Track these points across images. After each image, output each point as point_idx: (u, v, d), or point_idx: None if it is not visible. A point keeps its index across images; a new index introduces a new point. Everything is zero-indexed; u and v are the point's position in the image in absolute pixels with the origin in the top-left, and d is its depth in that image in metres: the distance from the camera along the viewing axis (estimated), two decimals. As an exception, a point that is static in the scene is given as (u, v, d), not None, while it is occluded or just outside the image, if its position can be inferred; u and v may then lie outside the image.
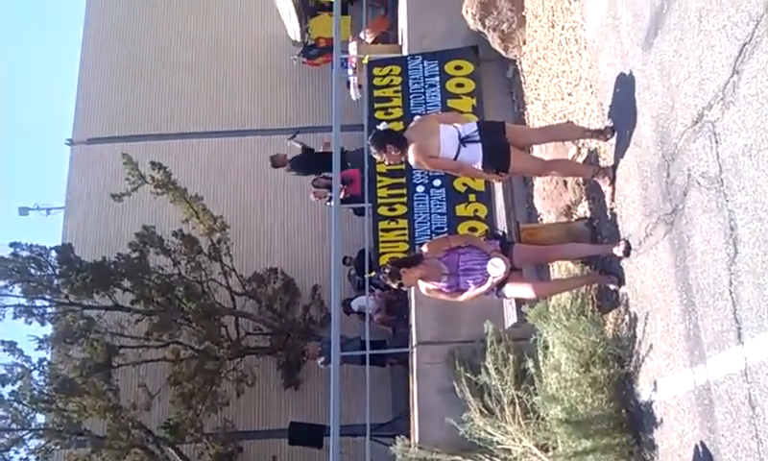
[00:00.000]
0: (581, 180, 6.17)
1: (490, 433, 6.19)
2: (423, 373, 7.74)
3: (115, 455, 10.45)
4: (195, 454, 11.05)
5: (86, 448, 10.73)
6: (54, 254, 11.41)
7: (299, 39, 13.34)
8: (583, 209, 6.32)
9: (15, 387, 11.06)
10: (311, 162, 10.68)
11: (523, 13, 7.90)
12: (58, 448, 10.94)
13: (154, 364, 11.57)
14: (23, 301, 11.44)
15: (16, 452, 10.94)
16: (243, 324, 11.90)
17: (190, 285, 11.30)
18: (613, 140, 5.56)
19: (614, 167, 5.52)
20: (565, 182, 6.30)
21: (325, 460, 8.76)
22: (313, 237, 12.59)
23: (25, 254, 11.30)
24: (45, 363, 11.44)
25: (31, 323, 11.48)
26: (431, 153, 5.42)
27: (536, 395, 5.81)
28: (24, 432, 10.98)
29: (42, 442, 10.98)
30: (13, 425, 10.97)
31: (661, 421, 4.79)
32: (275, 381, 12.05)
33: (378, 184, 8.42)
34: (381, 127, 5.80)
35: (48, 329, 11.66)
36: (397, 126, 7.72)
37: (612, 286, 5.51)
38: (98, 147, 13.51)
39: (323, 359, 10.44)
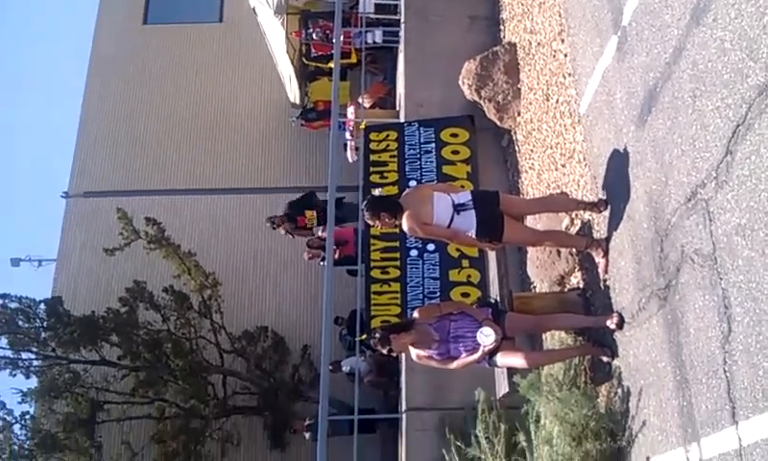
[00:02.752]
0: (574, 250, 6.20)
1: (480, 505, 6.06)
2: (413, 440, 7.64)
3: (95, 515, 10.19)
4: (176, 517, 10.77)
5: (66, 507, 10.45)
6: (42, 306, 11.30)
7: (298, 102, 13.53)
8: (576, 280, 6.33)
9: (-5, 441, 10.83)
10: (304, 201, 10.68)
11: (518, 86, 8.06)
12: (37, 504, 10.66)
13: (138, 421, 11.37)
14: (9, 353, 11.27)
15: (-8, 511, 10.65)
16: (230, 382, 11.75)
17: (178, 342, 11.19)
18: (607, 213, 5.60)
19: (608, 240, 5.56)
20: (559, 252, 6.33)
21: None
22: (305, 297, 12.55)
23: (14, 305, 11.20)
24: (28, 417, 11.23)
25: (15, 375, 11.30)
26: (425, 220, 5.45)
27: (527, 468, 5.71)
28: (2, 488, 10.71)
29: (21, 498, 10.71)
30: (-9, 481, 10.70)
31: (655, 499, 4.71)
32: (261, 442, 11.84)
33: (372, 247, 8.44)
34: (376, 192, 5.86)
35: (33, 383, 11.49)
36: (392, 190, 7.79)
37: (604, 358, 5.48)
38: (93, 200, 13.54)
39: (310, 434, 10.30)
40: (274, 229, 10.62)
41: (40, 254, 15.79)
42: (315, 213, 10.24)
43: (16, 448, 10.76)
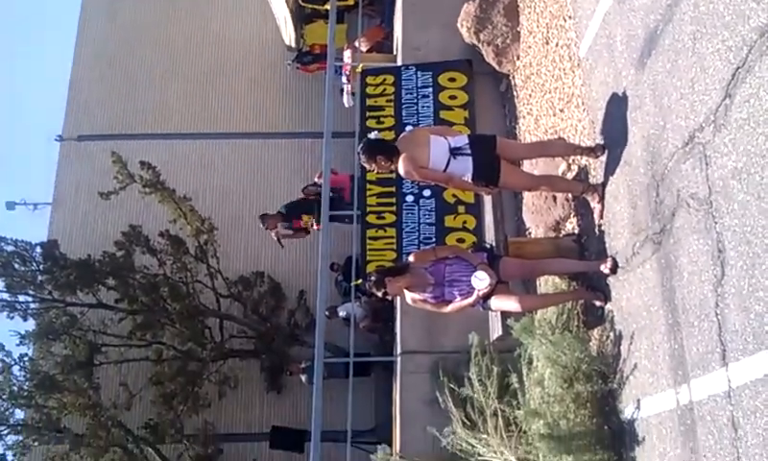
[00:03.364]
0: (570, 196, 6.20)
1: (471, 445, 6.17)
2: (407, 382, 7.74)
3: (94, 454, 10.36)
4: (174, 455, 10.97)
5: (65, 446, 10.62)
6: (39, 249, 11.31)
7: (293, 45, 13.34)
8: (571, 225, 6.34)
9: (-5, 382, 10.95)
10: (302, 206, 10.57)
11: (518, 29, 7.95)
12: (36, 444, 10.84)
13: (136, 363, 11.48)
14: (6, 295, 11.32)
15: (-7, 447, 10.83)
16: (227, 326, 11.84)
17: (175, 286, 11.23)
18: (604, 158, 5.59)
19: (604, 185, 5.55)
20: (555, 198, 6.33)
21: (306, 466, 8.73)
22: (301, 242, 12.55)
23: (10, 248, 11.19)
24: (26, 359, 11.32)
25: (13, 318, 11.37)
26: (421, 163, 5.43)
27: (518, 408, 5.80)
28: (2, 427, 10.85)
29: (20, 438, 10.87)
30: (-9, 420, 10.85)
31: (643, 439, 4.80)
32: (257, 385, 11.99)
33: (368, 192, 8.43)
34: (372, 136, 5.81)
35: (30, 325, 11.56)
36: (389, 135, 7.75)
37: (597, 303, 5.53)
38: (88, 144, 13.44)
39: (306, 376, 10.42)
40: (265, 228, 10.55)
41: (36, 197, 15.73)
42: (313, 218, 10.10)
43: (16, 389, 10.87)
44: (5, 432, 10.91)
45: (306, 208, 10.29)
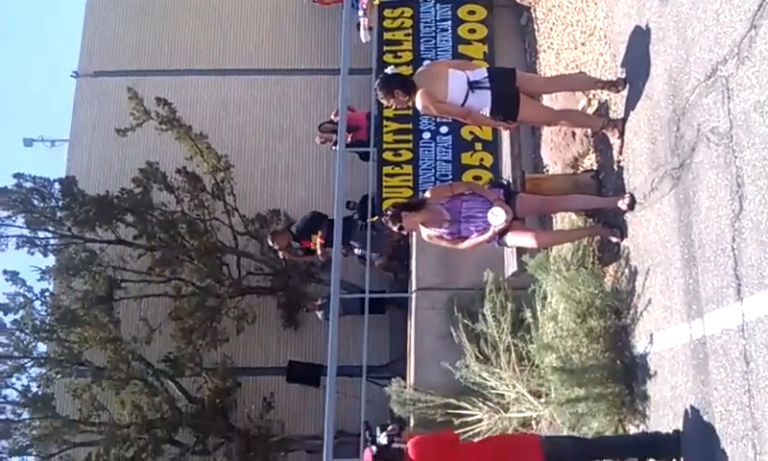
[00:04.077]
0: (589, 131, 6.13)
1: (484, 378, 6.28)
2: (422, 318, 7.82)
3: (115, 386, 10.60)
4: (194, 388, 11.20)
5: (87, 378, 10.87)
6: (57, 186, 11.39)
7: (309, -22, 13.10)
8: (590, 162, 6.29)
9: (17, 316, 11.17)
10: (312, 224, 10.56)
11: (539, -40, 7.75)
12: (59, 376, 11.08)
13: (155, 299, 11.63)
14: (26, 232, 11.46)
15: (18, 379, 11.11)
16: (245, 263, 11.93)
17: (193, 223, 11.30)
18: (625, 92, 5.50)
19: (624, 120, 5.48)
20: (574, 134, 6.26)
21: (322, 399, 8.88)
22: (317, 181, 12.54)
23: (28, 185, 11.26)
24: (47, 294, 11.52)
25: (33, 253, 11.52)
26: (439, 97, 5.38)
27: (531, 343, 5.88)
28: (26, 360, 11.12)
29: (43, 370, 11.13)
30: (15, 353, 11.11)
31: (655, 373, 4.85)
32: (274, 321, 12.14)
33: (385, 129, 8.36)
34: (389, 70, 5.74)
35: (51, 261, 11.73)
36: (406, 70, 7.63)
37: (614, 239, 5.52)
38: (104, 80, 13.36)
39: (322, 313, 10.53)
40: (270, 244, 10.71)
41: (53, 134, 15.78)
42: (321, 238, 10.16)
43: (38, 323, 11.11)
44: (29, 365, 11.20)
45: (315, 226, 10.34)
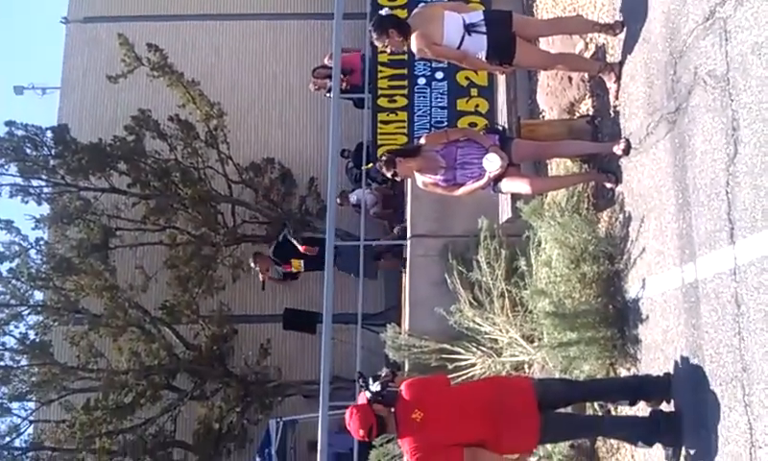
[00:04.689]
0: (586, 76, 6.07)
1: (478, 324, 6.33)
2: (417, 265, 7.84)
3: (112, 333, 10.70)
4: (191, 335, 11.31)
5: (84, 326, 10.95)
6: (49, 134, 11.29)
7: None
8: (586, 107, 6.25)
9: (13, 264, 11.19)
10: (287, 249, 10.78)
11: None
12: (56, 324, 11.17)
13: (150, 247, 11.67)
14: (19, 180, 11.40)
15: (16, 327, 11.18)
16: (239, 212, 11.94)
17: (186, 171, 11.26)
18: (622, 36, 5.43)
19: (621, 63, 5.42)
20: (570, 79, 6.20)
21: (318, 345, 8.98)
22: (311, 128, 12.47)
23: (20, 133, 11.17)
24: (42, 242, 11.54)
25: (27, 202, 11.50)
26: (434, 40, 5.31)
27: (525, 289, 5.91)
28: (23, 308, 11.18)
29: (41, 318, 11.21)
30: (12, 301, 11.16)
31: (647, 317, 4.89)
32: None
33: (379, 75, 8.24)
34: (384, 12, 5.65)
35: (45, 209, 11.71)
36: (402, 13, 7.48)
37: (608, 185, 5.51)
38: (94, 26, 13.15)
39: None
40: (252, 265, 11.11)
41: (44, 82, 15.57)
42: (302, 262, 10.55)
43: (34, 271, 11.14)
44: (26, 313, 11.26)
45: (295, 253, 10.60)
